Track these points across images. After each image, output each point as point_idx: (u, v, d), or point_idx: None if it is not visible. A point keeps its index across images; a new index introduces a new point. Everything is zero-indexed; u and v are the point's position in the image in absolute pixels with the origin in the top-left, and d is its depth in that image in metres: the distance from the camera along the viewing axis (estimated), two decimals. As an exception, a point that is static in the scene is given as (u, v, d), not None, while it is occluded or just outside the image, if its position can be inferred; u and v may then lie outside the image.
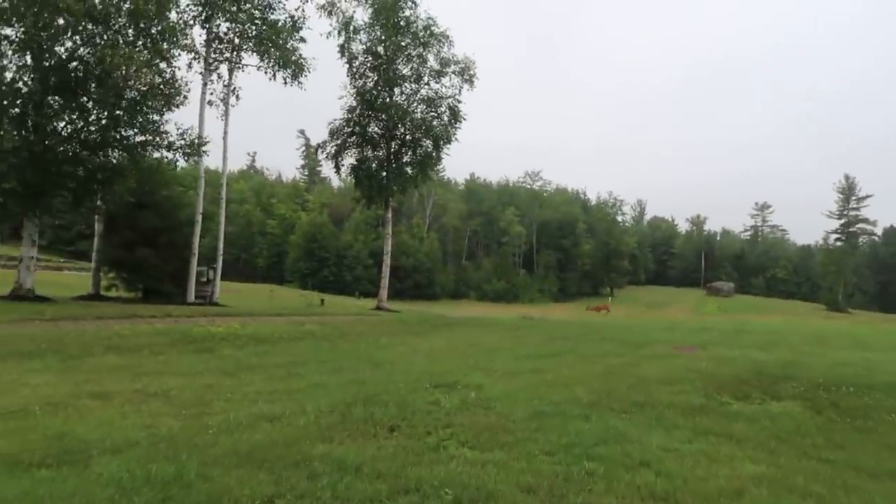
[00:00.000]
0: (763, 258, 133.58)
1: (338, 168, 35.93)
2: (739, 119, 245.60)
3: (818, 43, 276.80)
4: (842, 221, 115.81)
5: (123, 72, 18.64)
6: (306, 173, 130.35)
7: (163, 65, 21.33)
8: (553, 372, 11.79)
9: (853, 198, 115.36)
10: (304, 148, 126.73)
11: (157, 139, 21.64)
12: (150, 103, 20.81)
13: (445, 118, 34.55)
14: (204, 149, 23.74)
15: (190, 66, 27.44)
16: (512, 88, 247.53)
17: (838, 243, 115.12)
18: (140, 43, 20.52)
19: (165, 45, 20.75)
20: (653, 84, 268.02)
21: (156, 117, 21.48)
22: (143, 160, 22.38)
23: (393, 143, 34.84)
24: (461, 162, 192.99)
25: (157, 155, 22.46)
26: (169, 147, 22.00)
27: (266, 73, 28.72)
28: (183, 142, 22.05)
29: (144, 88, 20.28)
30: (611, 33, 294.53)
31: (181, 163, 23.58)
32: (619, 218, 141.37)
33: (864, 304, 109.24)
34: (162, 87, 20.88)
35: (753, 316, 67.24)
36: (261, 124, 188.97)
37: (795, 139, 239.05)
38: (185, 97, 22.08)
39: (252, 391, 8.88)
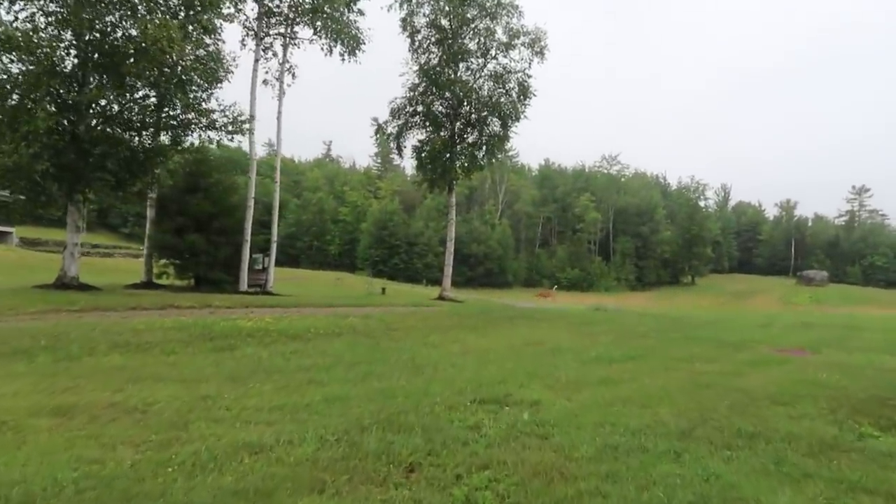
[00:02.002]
0: (860, 245, 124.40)
1: (399, 149, 34.53)
2: (831, 105, 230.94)
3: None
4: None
5: (163, 44, 17.41)
6: (379, 161, 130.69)
7: (207, 39, 20.15)
8: (629, 383, 9.59)
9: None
10: (376, 135, 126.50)
11: (201, 118, 20.40)
12: (193, 78, 19.61)
13: (514, 94, 32.19)
14: (248, 126, 22.47)
15: (243, 42, 26.37)
16: (591, 69, 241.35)
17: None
18: (182, 15, 19.36)
19: (206, 16, 19.46)
20: (739, 64, 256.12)
21: (200, 94, 20.30)
22: (183, 140, 21.34)
23: (457, 123, 32.85)
24: (535, 149, 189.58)
25: (199, 135, 21.29)
26: (211, 126, 20.74)
27: (321, 48, 27.39)
28: (225, 119, 20.78)
29: (187, 63, 19.09)
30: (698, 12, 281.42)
31: (225, 141, 22.27)
32: (702, 203, 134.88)
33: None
34: (205, 60, 19.65)
35: (852, 307, 61.82)
36: (341, 114, 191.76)
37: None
38: (231, 71, 20.81)
39: (252, 406, 7.20)
